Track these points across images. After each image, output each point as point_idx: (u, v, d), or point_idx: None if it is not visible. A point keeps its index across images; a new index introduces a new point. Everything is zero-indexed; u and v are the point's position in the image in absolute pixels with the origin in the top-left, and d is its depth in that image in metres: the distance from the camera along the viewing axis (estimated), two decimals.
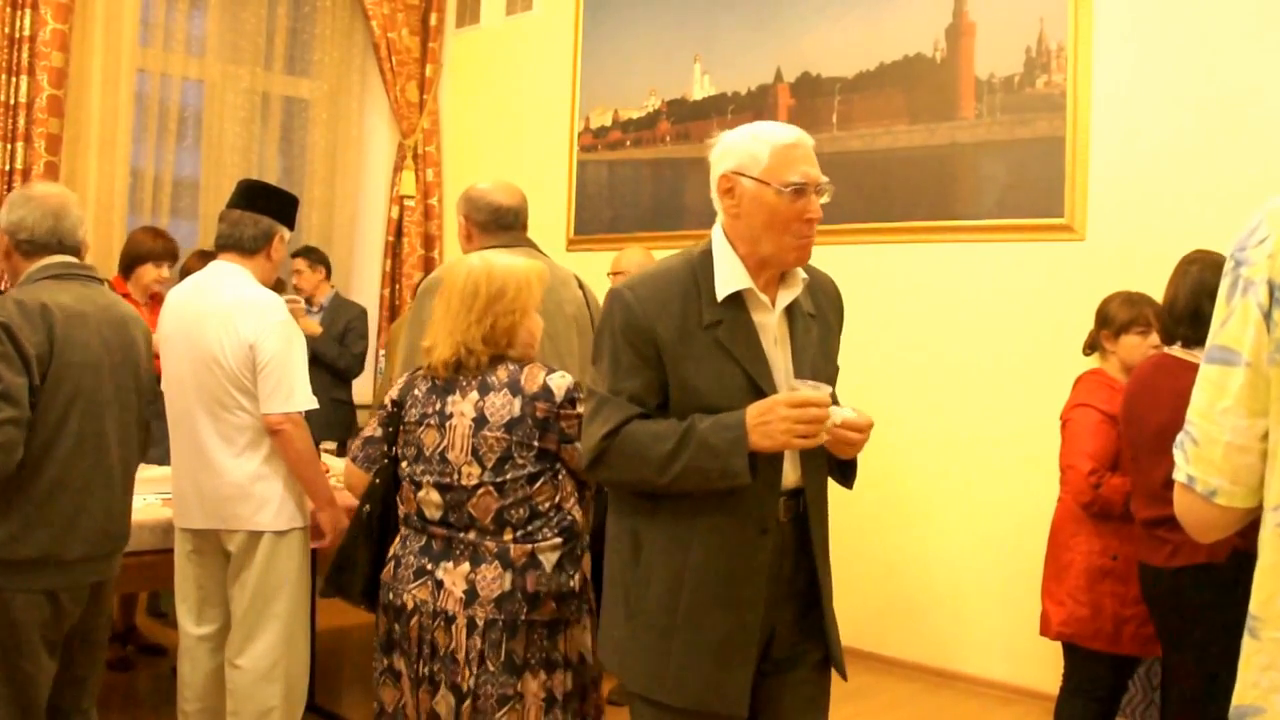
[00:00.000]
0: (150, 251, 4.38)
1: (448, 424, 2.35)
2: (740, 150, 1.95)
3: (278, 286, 3.67)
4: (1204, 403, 1.38)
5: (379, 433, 2.49)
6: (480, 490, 2.31)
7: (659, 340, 1.92)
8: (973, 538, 4.43)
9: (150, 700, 4.12)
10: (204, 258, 3.88)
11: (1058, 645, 3.28)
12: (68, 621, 2.41)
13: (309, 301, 5.30)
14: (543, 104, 6.16)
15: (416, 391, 2.43)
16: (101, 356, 2.45)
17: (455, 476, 2.33)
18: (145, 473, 3.07)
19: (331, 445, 4.54)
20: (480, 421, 2.32)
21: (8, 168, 5.05)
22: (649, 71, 5.69)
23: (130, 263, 4.41)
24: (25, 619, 2.31)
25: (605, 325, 1.98)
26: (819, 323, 2.07)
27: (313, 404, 3.00)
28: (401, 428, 2.45)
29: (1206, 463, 1.36)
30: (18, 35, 5.04)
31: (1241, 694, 1.34)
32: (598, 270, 5.18)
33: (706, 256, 1.98)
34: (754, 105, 5.24)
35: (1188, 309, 2.76)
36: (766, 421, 1.84)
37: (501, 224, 3.05)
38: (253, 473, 2.94)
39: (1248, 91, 3.83)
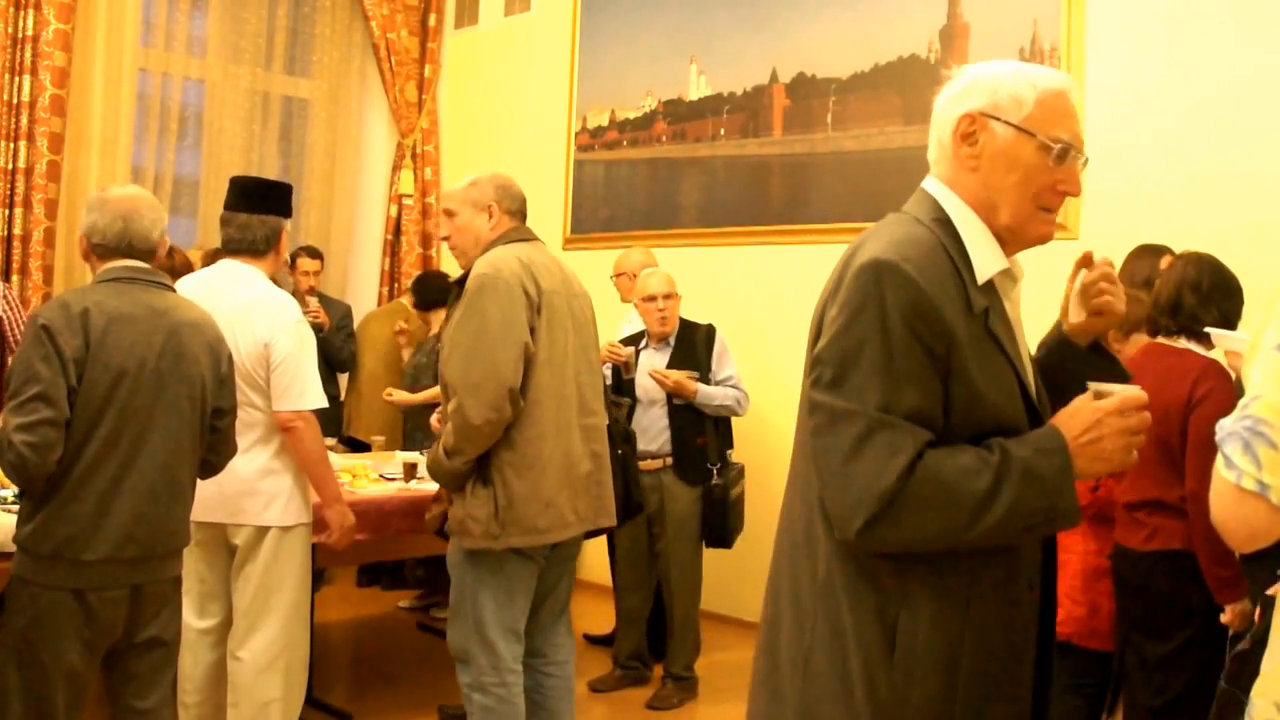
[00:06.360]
0: None
1: None
2: (997, 87, 1.53)
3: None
4: None
5: None
6: None
7: (952, 333, 1.42)
8: None
9: None
10: (217, 256, 3.92)
11: None
12: (105, 623, 2.40)
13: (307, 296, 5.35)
14: (540, 104, 6.21)
15: None
16: (146, 361, 2.42)
17: None
18: None
19: (331, 441, 4.56)
20: None
21: (10, 166, 5.10)
22: (646, 72, 5.74)
23: None
24: (50, 614, 2.33)
25: (866, 309, 1.42)
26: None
27: (324, 402, 3.06)
28: None
29: None
30: (21, 35, 5.09)
31: None
32: (595, 269, 5.23)
33: (945, 225, 1.54)
34: (749, 106, 5.29)
35: (1169, 301, 2.92)
36: (1098, 439, 1.41)
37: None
38: (261, 468, 2.98)
39: (1238, 92, 3.88)
